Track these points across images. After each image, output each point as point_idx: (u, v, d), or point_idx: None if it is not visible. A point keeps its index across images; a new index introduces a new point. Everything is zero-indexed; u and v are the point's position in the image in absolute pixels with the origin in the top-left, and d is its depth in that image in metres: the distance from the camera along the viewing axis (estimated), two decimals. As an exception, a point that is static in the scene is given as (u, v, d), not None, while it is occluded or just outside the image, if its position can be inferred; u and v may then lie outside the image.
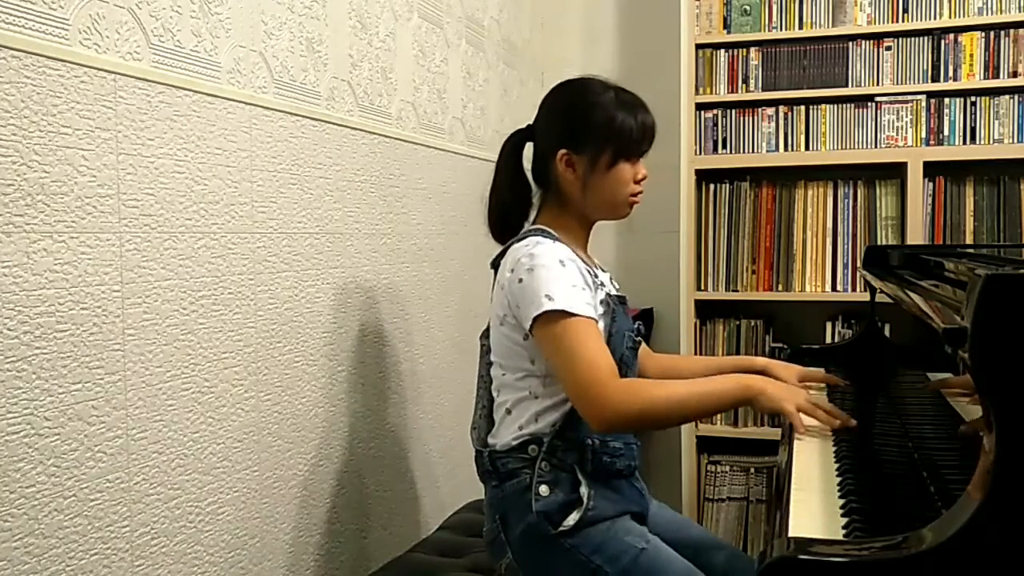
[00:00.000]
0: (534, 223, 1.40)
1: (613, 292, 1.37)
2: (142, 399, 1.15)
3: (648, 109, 1.37)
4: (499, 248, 1.40)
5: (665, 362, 1.60)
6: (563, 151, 1.34)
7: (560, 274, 1.24)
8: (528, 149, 1.43)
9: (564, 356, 1.21)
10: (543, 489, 1.26)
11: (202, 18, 1.26)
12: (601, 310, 1.30)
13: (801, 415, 1.28)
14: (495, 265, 1.38)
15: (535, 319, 1.22)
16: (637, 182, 1.37)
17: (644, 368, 1.52)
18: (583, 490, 1.25)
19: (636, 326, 1.39)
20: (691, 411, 1.30)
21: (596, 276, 1.34)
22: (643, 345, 1.49)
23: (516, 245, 1.32)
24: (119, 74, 1.11)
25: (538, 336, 1.24)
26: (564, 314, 1.21)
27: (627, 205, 1.38)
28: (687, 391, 1.25)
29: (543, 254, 1.26)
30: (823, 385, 1.63)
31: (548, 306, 1.21)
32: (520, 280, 1.25)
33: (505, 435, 1.32)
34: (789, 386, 1.36)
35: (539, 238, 1.30)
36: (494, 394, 1.37)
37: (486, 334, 1.41)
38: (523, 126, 1.43)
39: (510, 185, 1.39)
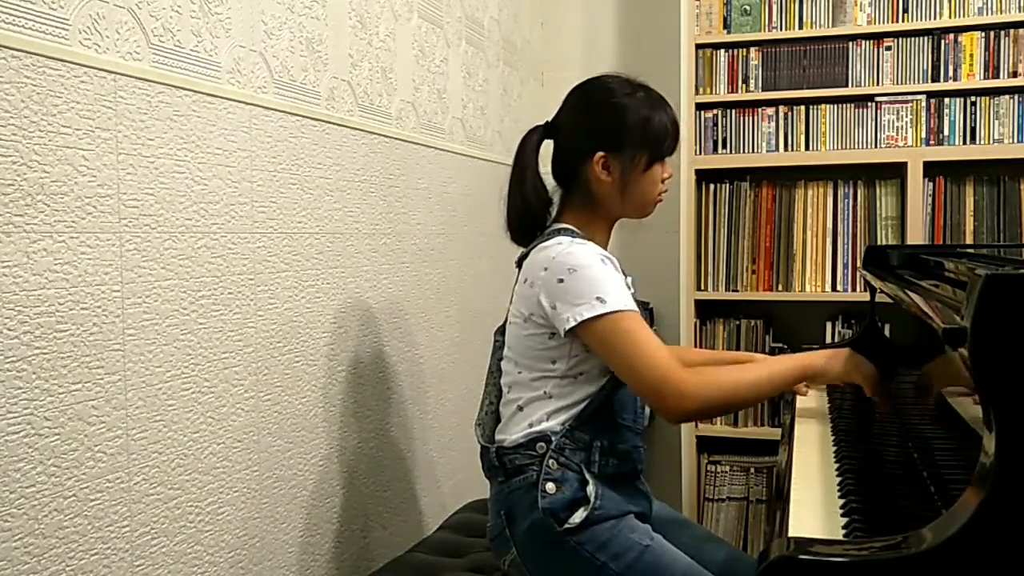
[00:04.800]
0: (556, 222, 1.38)
1: (635, 296, 1.37)
2: (142, 399, 1.15)
3: (670, 105, 1.38)
4: (513, 246, 1.39)
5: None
6: (600, 154, 1.33)
7: (604, 273, 1.24)
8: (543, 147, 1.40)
9: (630, 354, 1.21)
10: (550, 486, 1.26)
11: (202, 18, 1.26)
12: None
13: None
14: (520, 264, 1.37)
15: (585, 320, 1.21)
16: (663, 181, 1.38)
17: None
18: (590, 489, 1.25)
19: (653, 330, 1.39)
20: (760, 394, 1.38)
21: (626, 276, 1.34)
22: None
23: (546, 244, 1.30)
24: (119, 74, 1.10)
25: (590, 337, 1.23)
26: (620, 313, 1.21)
27: (655, 204, 1.40)
28: (754, 376, 1.31)
29: (582, 254, 1.25)
30: (823, 384, 1.63)
31: (601, 309, 1.20)
32: (560, 280, 1.24)
33: (514, 431, 1.32)
34: (847, 357, 1.39)
35: (570, 238, 1.30)
36: (504, 390, 1.37)
37: (501, 330, 1.41)
38: (540, 123, 1.40)
39: (534, 185, 1.37)
